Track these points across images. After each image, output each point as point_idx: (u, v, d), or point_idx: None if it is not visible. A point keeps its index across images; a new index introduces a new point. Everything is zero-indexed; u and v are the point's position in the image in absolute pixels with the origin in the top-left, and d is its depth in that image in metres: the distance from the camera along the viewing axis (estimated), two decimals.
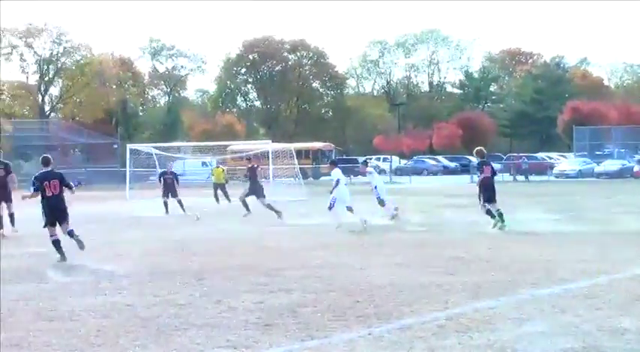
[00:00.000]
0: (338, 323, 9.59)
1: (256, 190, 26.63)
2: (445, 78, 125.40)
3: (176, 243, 19.33)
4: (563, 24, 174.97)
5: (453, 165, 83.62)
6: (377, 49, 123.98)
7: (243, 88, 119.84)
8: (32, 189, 16.44)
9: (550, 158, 77.75)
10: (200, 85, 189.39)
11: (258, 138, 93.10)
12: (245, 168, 30.52)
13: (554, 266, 13.95)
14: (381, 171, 71.93)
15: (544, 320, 9.55)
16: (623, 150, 71.40)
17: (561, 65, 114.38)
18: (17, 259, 16.56)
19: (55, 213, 16.26)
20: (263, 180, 35.36)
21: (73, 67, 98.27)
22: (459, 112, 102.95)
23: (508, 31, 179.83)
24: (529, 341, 8.52)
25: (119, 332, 9.29)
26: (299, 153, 52.22)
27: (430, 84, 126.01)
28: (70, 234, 16.08)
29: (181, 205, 30.19)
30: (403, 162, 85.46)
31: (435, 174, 79.12)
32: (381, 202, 26.26)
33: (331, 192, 23.27)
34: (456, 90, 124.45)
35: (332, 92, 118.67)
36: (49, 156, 17.01)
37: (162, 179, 31.67)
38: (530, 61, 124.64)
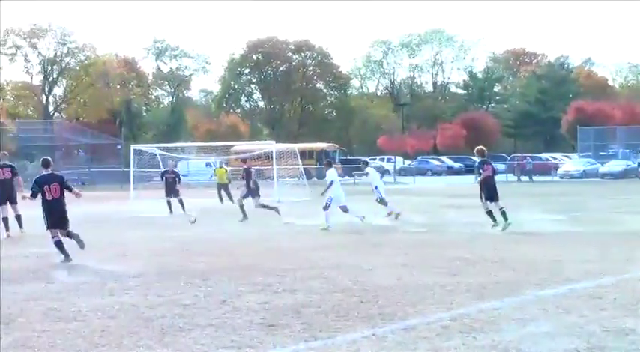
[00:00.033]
0: (342, 323, 9.59)
1: (252, 191, 26.56)
2: (449, 78, 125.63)
3: (180, 244, 19.33)
4: (567, 24, 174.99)
5: (457, 165, 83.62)
6: (381, 49, 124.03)
7: (247, 89, 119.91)
8: (31, 192, 16.39)
9: (554, 158, 77.71)
10: (204, 85, 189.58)
11: (262, 138, 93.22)
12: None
13: (558, 267, 13.95)
14: (385, 172, 71.93)
15: (548, 320, 9.54)
16: (627, 150, 71.32)
17: (565, 65, 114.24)
18: (23, 259, 16.56)
19: (56, 217, 16.17)
20: (267, 179, 35.36)
21: (77, 68, 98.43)
22: (463, 113, 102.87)
23: (512, 31, 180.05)
24: (533, 341, 8.52)
25: (123, 333, 9.30)
26: (303, 153, 52.21)
27: (434, 84, 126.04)
28: (69, 234, 16.07)
29: (182, 205, 30.20)
30: (407, 162, 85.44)
31: (439, 174, 79.12)
32: (383, 201, 26.28)
33: (322, 194, 23.37)
34: (460, 91, 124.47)
35: (336, 92, 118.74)
36: (49, 159, 16.88)
37: (164, 178, 31.69)
38: (534, 61, 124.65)
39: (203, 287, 12.41)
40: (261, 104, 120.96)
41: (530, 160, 68.18)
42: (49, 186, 16.07)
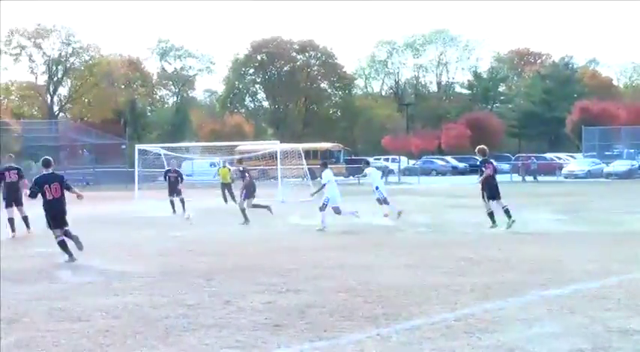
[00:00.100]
0: (347, 323, 9.59)
1: (249, 192, 26.48)
2: (454, 78, 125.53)
3: (184, 244, 19.34)
4: (572, 24, 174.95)
5: (461, 165, 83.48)
6: (385, 49, 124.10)
7: (251, 89, 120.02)
8: (29, 192, 16.43)
9: (559, 158, 77.61)
10: (208, 85, 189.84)
11: (267, 138, 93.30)
12: (255, 168, 30.39)
13: (563, 267, 13.93)
14: (390, 172, 71.85)
15: (553, 321, 9.53)
16: (632, 150, 71.18)
17: (570, 65, 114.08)
18: (28, 259, 16.60)
19: (56, 216, 16.20)
20: (272, 179, 35.31)
21: (82, 68, 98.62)
22: (467, 113, 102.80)
23: (517, 31, 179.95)
24: (538, 342, 8.51)
25: (128, 333, 9.31)
26: (307, 153, 52.15)
27: (438, 84, 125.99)
28: (67, 234, 16.10)
29: (183, 204, 30.23)
30: (411, 162, 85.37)
31: (443, 174, 78.97)
32: (385, 201, 26.27)
33: (312, 195, 23.45)
34: (465, 91, 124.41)
35: (340, 92, 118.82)
36: (50, 158, 16.87)
37: (167, 177, 31.74)
38: (538, 61, 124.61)
39: (207, 288, 12.41)
40: (265, 104, 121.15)
41: (534, 160, 68.11)
42: (50, 186, 16.08)
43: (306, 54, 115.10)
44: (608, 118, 78.32)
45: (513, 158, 76.88)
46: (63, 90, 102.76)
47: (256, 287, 12.34)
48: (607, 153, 71.27)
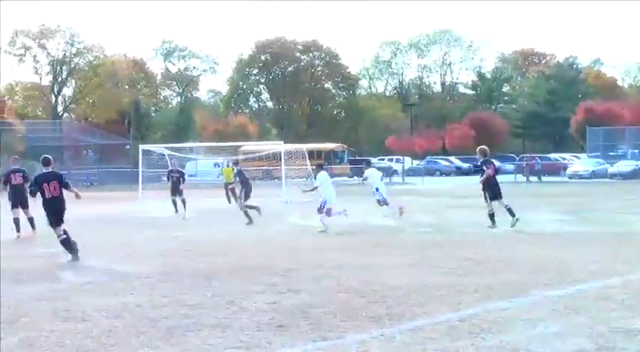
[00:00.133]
0: (350, 324, 9.57)
1: (247, 192, 26.58)
2: (457, 78, 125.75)
3: (187, 244, 19.35)
4: (576, 24, 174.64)
5: (465, 165, 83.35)
6: (389, 49, 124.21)
7: (255, 89, 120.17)
8: (29, 190, 16.52)
9: (563, 159, 77.49)
10: (212, 85, 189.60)
11: (271, 138, 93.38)
12: (259, 169, 30.40)
13: (566, 267, 13.91)
14: (394, 172, 71.83)
15: (557, 321, 9.51)
16: (636, 150, 71.07)
17: (574, 65, 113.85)
18: (32, 259, 16.61)
19: (55, 214, 16.28)
20: (276, 179, 35.26)
21: (86, 68, 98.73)
22: (471, 113, 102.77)
23: (521, 31, 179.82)
24: (542, 342, 8.49)
25: (131, 333, 9.31)
26: (311, 153, 52.17)
27: (442, 84, 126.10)
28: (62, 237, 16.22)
29: (184, 205, 30.30)
30: (415, 162, 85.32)
31: (447, 174, 78.91)
32: (385, 202, 26.28)
33: (304, 191, 23.55)
34: (469, 91, 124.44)
35: (344, 93, 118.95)
36: (50, 157, 16.95)
37: (169, 178, 31.80)
38: (543, 61, 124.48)
39: (210, 288, 12.40)
40: (269, 104, 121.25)
41: (539, 161, 67.98)
42: (49, 185, 16.18)
43: (310, 54, 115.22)
44: (613, 119, 78.24)
45: (517, 158, 76.81)
46: (67, 91, 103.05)
47: (259, 287, 12.34)
48: (611, 153, 71.16)
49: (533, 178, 62.58)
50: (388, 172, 71.18)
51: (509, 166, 70.17)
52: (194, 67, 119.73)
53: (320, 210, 22.75)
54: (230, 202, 35.70)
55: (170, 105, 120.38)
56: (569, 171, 65.50)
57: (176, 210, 30.46)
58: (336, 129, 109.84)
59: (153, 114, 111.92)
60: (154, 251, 17.99)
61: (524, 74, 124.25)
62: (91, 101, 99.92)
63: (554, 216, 25.78)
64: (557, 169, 68.00)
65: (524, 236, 19.70)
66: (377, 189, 26.56)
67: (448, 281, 12.50)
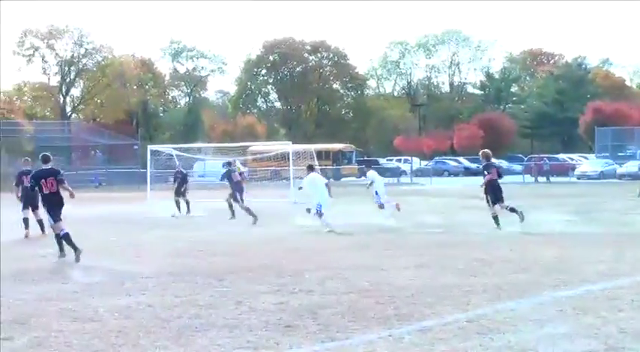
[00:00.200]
0: (358, 324, 9.57)
1: (236, 192, 26.99)
2: (466, 79, 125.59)
3: (196, 244, 19.37)
4: (585, 24, 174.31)
5: (474, 166, 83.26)
6: (397, 49, 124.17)
7: (263, 89, 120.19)
8: (29, 185, 16.83)
9: (571, 159, 77.38)
10: (220, 86, 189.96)
11: (279, 139, 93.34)
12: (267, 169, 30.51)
13: (575, 268, 13.89)
14: (402, 173, 71.87)
15: (565, 321, 9.50)
16: None
17: (583, 66, 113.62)
18: (40, 260, 16.66)
19: (53, 208, 16.63)
20: (284, 180, 35.23)
21: (94, 68, 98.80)
22: (479, 113, 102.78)
23: (529, 31, 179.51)
24: (550, 342, 8.48)
25: (140, 333, 9.31)
26: (319, 154, 52.26)
27: (451, 85, 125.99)
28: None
29: (187, 205, 30.58)
30: (424, 163, 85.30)
31: (455, 175, 78.85)
32: (381, 206, 26.42)
33: (299, 188, 23.79)
34: (477, 91, 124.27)
35: (352, 93, 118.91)
36: (48, 155, 17.44)
37: (175, 179, 32.22)
38: (551, 61, 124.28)
39: (219, 288, 12.42)
40: (277, 105, 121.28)
41: (547, 161, 67.91)
42: (46, 180, 16.64)
43: (319, 54, 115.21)
44: (621, 119, 78.13)
45: (526, 159, 76.75)
46: (75, 91, 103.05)
47: (268, 287, 12.34)
48: (620, 153, 71.06)
49: (542, 179, 62.51)
50: (396, 173, 71.32)
51: (518, 167, 70.07)
52: (202, 68, 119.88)
53: (319, 214, 22.76)
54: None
55: (178, 106, 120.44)
56: (577, 172, 65.42)
57: (179, 210, 30.58)
58: (344, 129, 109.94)
59: (161, 115, 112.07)
60: (163, 251, 18.03)
61: (532, 74, 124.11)
62: (99, 101, 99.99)
63: (562, 216, 25.73)
64: (566, 170, 67.88)
65: (532, 236, 19.67)
66: (376, 192, 26.68)
67: (456, 282, 12.49)
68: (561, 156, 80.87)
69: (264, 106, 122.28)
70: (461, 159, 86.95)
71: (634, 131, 73.50)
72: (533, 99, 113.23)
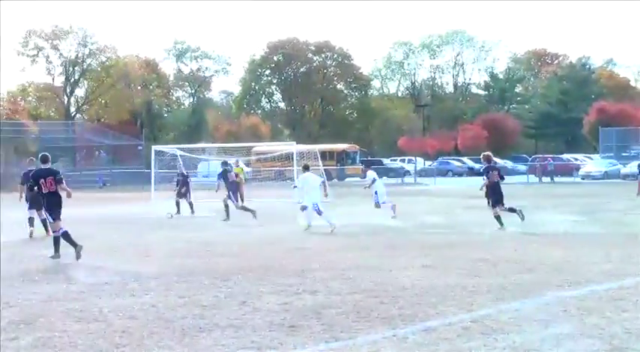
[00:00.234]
0: (362, 324, 9.58)
1: (233, 191, 27.12)
2: (470, 79, 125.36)
3: (200, 244, 19.40)
4: (589, 25, 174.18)
5: (478, 166, 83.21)
6: (402, 50, 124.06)
7: (267, 90, 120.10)
8: (28, 185, 16.93)
9: (576, 159, 77.33)
10: (224, 86, 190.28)
11: (283, 139, 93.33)
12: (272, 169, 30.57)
13: (579, 268, 13.88)
14: (406, 173, 71.86)
15: (570, 322, 9.50)
16: None
17: (587, 66, 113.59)
18: (45, 260, 16.66)
19: (52, 207, 16.77)
20: (288, 180, 35.21)
21: (99, 69, 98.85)
22: (483, 113, 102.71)
23: (534, 31, 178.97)
24: (555, 343, 8.47)
25: (144, 333, 9.32)
26: (323, 154, 52.19)
27: (455, 85, 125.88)
28: (57, 234, 16.60)
29: (190, 207, 30.68)
30: (428, 163, 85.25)
31: (459, 175, 78.79)
32: (377, 205, 26.51)
33: (293, 187, 23.82)
34: (481, 92, 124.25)
35: (356, 93, 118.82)
36: (47, 155, 17.61)
37: (176, 181, 32.46)
38: (555, 61, 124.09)
39: (223, 288, 12.42)
40: (281, 105, 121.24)
41: (551, 161, 67.88)
42: (45, 180, 16.75)
43: (323, 55, 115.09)
44: (626, 119, 78.02)
45: (530, 159, 76.70)
46: (80, 92, 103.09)
47: (272, 287, 12.35)
48: (624, 154, 70.94)
49: (546, 179, 62.45)
50: (400, 173, 71.34)
51: (522, 167, 70.01)
52: (206, 68, 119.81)
53: (320, 214, 22.77)
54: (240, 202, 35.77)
55: (182, 106, 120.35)
56: (581, 172, 65.36)
57: (178, 211, 30.63)
58: (348, 129, 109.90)
59: (165, 115, 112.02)
60: (167, 251, 18.05)
61: (536, 75, 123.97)
62: (103, 102, 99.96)
63: (566, 216, 25.73)
64: (570, 170, 67.81)
65: (536, 237, 19.67)
66: (376, 192, 26.73)
67: (461, 282, 12.49)
68: (565, 156, 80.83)
69: (268, 107, 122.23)
70: (465, 159, 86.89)
71: (638, 131, 73.36)
72: (537, 100, 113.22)
